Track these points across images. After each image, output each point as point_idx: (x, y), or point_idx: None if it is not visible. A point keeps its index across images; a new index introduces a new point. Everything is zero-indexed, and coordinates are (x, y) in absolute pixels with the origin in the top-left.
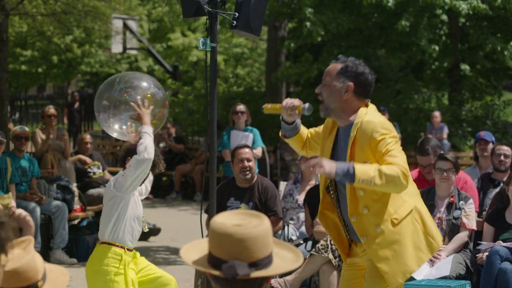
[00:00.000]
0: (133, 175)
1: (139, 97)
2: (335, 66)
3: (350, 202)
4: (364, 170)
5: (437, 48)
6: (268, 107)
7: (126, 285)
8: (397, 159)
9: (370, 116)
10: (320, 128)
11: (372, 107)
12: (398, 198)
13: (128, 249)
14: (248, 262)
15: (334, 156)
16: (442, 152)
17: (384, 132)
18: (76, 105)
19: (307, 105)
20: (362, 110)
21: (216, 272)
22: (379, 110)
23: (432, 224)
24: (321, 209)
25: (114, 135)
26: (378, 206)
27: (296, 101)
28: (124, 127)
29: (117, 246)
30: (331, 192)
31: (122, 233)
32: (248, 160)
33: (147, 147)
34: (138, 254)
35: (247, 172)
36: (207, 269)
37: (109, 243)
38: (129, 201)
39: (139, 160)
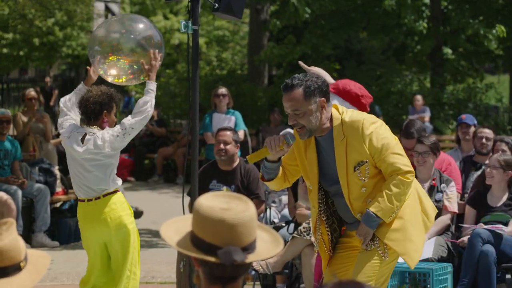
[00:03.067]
0: (136, 132)
1: (156, 50)
2: (296, 93)
3: (352, 207)
4: (382, 208)
5: (425, 24)
6: (253, 156)
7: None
8: (394, 164)
9: (348, 114)
10: (289, 152)
11: (339, 106)
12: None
13: None
14: (241, 247)
15: (321, 167)
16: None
17: (372, 129)
18: (47, 87)
19: (288, 134)
20: (334, 112)
21: (211, 258)
22: None
23: (427, 200)
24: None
25: (109, 79)
26: (378, 186)
27: (277, 137)
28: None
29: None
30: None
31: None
32: (225, 143)
33: (152, 104)
34: None
35: (222, 154)
36: (198, 255)
37: (114, 191)
38: None
39: (146, 117)
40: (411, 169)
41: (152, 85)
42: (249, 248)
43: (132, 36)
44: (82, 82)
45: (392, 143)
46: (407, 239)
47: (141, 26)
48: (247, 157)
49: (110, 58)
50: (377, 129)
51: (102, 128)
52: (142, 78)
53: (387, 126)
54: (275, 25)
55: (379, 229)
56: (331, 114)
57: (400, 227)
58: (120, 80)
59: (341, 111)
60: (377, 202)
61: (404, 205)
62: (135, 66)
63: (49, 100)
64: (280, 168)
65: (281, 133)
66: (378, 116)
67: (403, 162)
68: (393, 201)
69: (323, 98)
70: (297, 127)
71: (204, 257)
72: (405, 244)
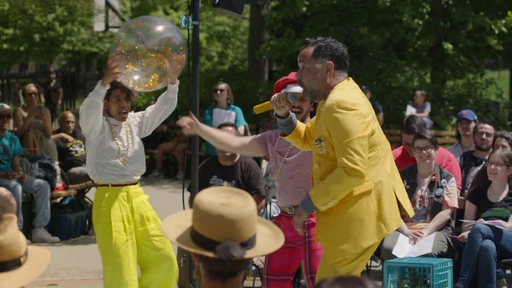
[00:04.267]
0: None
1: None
2: (307, 50)
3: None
4: (317, 193)
5: (420, 22)
6: (258, 107)
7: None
8: (343, 157)
9: (336, 92)
10: (314, 118)
11: (348, 83)
12: None
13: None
14: (240, 242)
15: None
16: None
17: (338, 112)
18: (52, 83)
19: (289, 93)
20: (338, 85)
21: (209, 254)
22: (361, 89)
23: (392, 208)
24: None
25: (130, 85)
26: None
27: (282, 94)
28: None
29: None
30: None
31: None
32: None
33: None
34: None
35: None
36: (197, 250)
37: (101, 185)
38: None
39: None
40: (360, 170)
41: (175, 87)
42: (248, 243)
43: (149, 40)
44: (99, 82)
45: (354, 136)
46: (340, 237)
47: (158, 28)
48: (254, 107)
49: (128, 66)
50: (344, 116)
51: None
52: (163, 82)
53: (364, 120)
54: (270, 17)
55: (318, 226)
56: (335, 86)
57: (339, 222)
58: (143, 86)
59: (340, 87)
60: (316, 187)
61: (350, 203)
62: (156, 70)
63: (51, 97)
64: (304, 128)
65: (283, 90)
66: (377, 112)
67: (354, 159)
68: (329, 192)
69: (330, 62)
70: (300, 84)
71: (203, 252)
72: (333, 242)
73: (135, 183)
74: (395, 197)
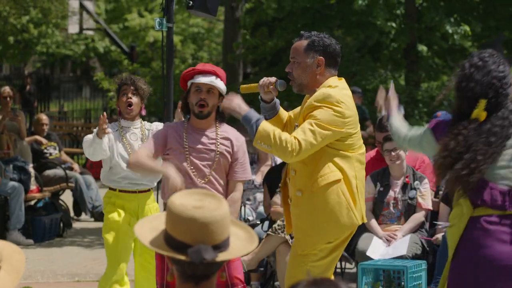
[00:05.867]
0: None
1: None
2: (301, 43)
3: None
4: (265, 134)
5: (394, 25)
6: (244, 87)
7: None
8: (300, 130)
9: (327, 88)
10: (298, 109)
11: (340, 82)
12: (326, 166)
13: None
14: (212, 245)
15: None
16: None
17: (319, 105)
18: (28, 88)
19: (279, 80)
20: (329, 80)
21: (181, 257)
22: (353, 92)
23: (360, 200)
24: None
25: None
26: (304, 170)
27: (272, 79)
28: None
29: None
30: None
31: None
32: None
33: None
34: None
35: None
36: (169, 253)
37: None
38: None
39: None
40: (301, 151)
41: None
42: (221, 246)
43: None
44: (94, 132)
45: (320, 124)
46: (311, 227)
47: None
48: (240, 86)
49: None
50: (325, 109)
51: None
52: None
53: (341, 120)
54: (244, 21)
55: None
56: (325, 81)
57: (309, 213)
58: None
59: (332, 85)
60: (269, 128)
61: (320, 192)
62: None
63: (27, 99)
64: (286, 116)
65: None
66: (366, 119)
67: (305, 137)
68: (273, 141)
69: (322, 57)
70: (290, 76)
71: (174, 255)
72: (305, 232)
73: (146, 190)
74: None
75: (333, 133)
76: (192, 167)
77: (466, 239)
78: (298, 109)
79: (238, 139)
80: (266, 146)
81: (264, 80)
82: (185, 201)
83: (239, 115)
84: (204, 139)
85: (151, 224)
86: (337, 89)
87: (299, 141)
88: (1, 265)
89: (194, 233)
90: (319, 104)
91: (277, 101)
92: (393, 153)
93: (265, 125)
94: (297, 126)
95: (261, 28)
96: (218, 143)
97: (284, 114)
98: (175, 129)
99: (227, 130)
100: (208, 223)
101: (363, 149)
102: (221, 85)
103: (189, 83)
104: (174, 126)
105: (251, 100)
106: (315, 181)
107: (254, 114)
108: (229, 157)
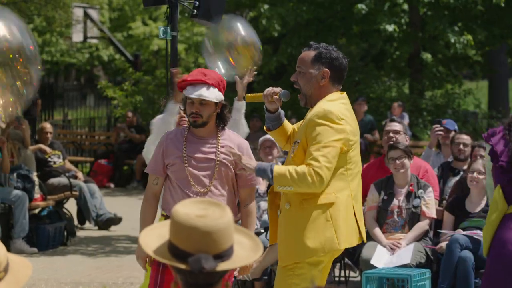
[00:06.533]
0: None
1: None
2: (308, 54)
3: None
4: (282, 177)
5: (397, 29)
6: (250, 96)
7: None
8: (312, 158)
9: (326, 102)
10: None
11: (340, 96)
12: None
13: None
14: (214, 254)
15: None
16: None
17: (321, 122)
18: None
19: (283, 91)
20: (330, 95)
21: (182, 266)
22: (357, 101)
23: (348, 227)
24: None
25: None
26: None
27: (276, 89)
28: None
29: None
30: None
31: None
32: None
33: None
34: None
35: None
36: (171, 262)
37: None
38: None
39: None
40: (323, 176)
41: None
42: (223, 255)
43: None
44: (171, 101)
45: (328, 145)
46: (293, 241)
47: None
48: (246, 95)
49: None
50: (326, 127)
51: None
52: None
53: (343, 136)
54: None
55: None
56: (327, 96)
57: (294, 227)
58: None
59: (335, 98)
60: (283, 168)
61: (308, 211)
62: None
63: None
64: (290, 128)
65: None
66: (373, 129)
67: (321, 164)
68: (291, 179)
69: (327, 70)
70: (296, 85)
71: (176, 264)
72: (287, 245)
73: None
74: (355, 219)
75: (338, 148)
76: (191, 178)
77: (498, 237)
78: (301, 122)
79: (241, 145)
80: (288, 187)
81: (269, 89)
82: (189, 210)
83: (252, 172)
84: (204, 148)
85: (157, 231)
86: (337, 103)
87: (315, 171)
88: (6, 277)
89: (195, 242)
90: (320, 121)
91: (281, 112)
92: (397, 162)
93: (278, 168)
94: (297, 142)
95: (264, 46)
96: (219, 152)
97: (288, 126)
98: (174, 138)
99: (229, 137)
100: (210, 232)
101: (360, 165)
102: (213, 94)
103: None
104: (174, 136)
105: (255, 108)
106: (305, 198)
107: (264, 164)
108: (230, 166)
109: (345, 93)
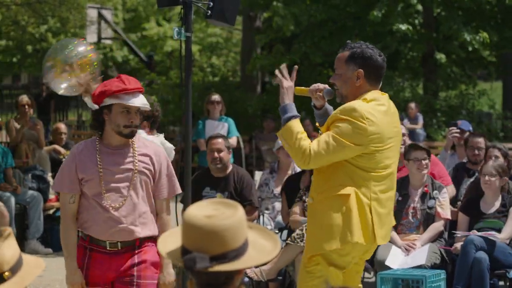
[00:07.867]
0: None
1: None
2: (343, 55)
3: None
4: (290, 132)
5: (410, 28)
6: (298, 89)
7: None
8: (315, 144)
9: (357, 101)
10: None
11: (377, 96)
12: (339, 180)
13: None
14: (212, 255)
15: None
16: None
17: (343, 117)
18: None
19: (327, 89)
20: (365, 95)
21: (180, 263)
22: None
23: (360, 225)
24: None
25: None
26: (318, 178)
27: (321, 85)
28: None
29: None
30: None
31: None
32: (219, 150)
33: None
34: None
35: (218, 163)
36: (174, 259)
37: None
38: None
39: None
40: (311, 159)
41: None
42: (226, 257)
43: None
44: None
45: (336, 138)
46: (314, 233)
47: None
48: (295, 87)
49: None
50: (348, 123)
51: None
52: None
53: (363, 137)
54: (259, 41)
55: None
56: (366, 95)
57: (314, 219)
58: None
59: (368, 98)
60: (297, 130)
61: (325, 202)
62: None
63: (44, 108)
64: None
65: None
66: None
67: (317, 148)
68: (292, 141)
69: (361, 70)
70: (335, 87)
71: (175, 261)
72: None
73: None
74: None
75: (350, 148)
76: (107, 192)
77: None
78: None
79: (158, 153)
80: (287, 144)
81: (315, 85)
82: (199, 211)
83: (282, 101)
84: (120, 159)
85: (174, 237)
86: (370, 104)
87: (311, 151)
88: (13, 278)
89: (195, 240)
90: (342, 116)
91: (329, 107)
92: (423, 162)
93: (294, 124)
94: (320, 133)
95: (277, 45)
96: (136, 161)
97: None
98: (85, 153)
99: (143, 144)
100: (213, 232)
101: (391, 169)
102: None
103: (109, 101)
104: (84, 150)
105: (268, 109)
106: (324, 191)
107: (292, 109)
108: (149, 174)
109: (386, 94)
